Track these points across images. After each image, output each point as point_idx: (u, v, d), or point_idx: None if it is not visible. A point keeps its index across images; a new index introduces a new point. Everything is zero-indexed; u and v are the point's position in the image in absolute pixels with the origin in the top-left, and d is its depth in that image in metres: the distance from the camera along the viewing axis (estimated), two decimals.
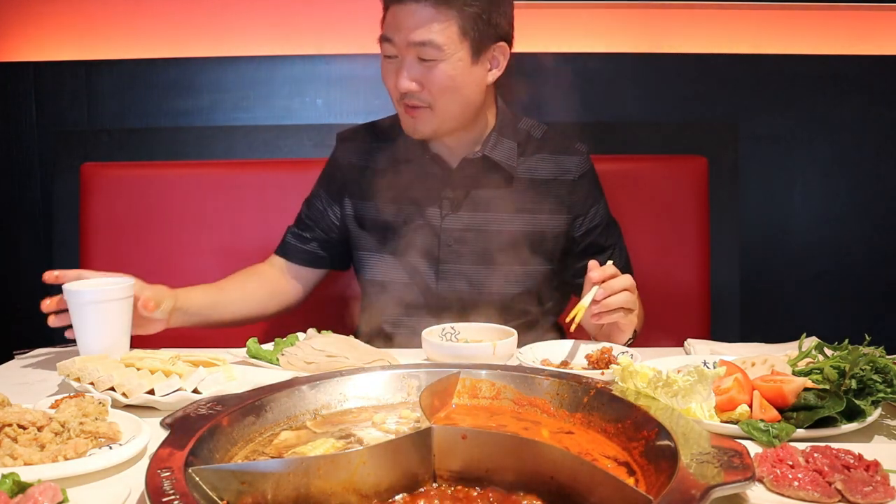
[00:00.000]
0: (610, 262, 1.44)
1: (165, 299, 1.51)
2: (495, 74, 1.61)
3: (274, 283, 1.75)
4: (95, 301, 1.35)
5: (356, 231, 1.73)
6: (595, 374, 1.09)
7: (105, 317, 1.36)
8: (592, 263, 1.43)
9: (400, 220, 1.67)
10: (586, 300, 1.39)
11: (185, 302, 1.57)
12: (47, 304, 1.40)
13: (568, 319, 1.41)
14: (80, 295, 1.35)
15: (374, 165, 1.71)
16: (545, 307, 1.74)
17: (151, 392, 1.10)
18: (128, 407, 1.09)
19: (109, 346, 1.34)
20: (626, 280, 1.42)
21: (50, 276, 1.41)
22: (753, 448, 0.91)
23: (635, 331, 1.54)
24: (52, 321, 1.41)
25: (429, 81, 1.53)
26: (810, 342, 1.17)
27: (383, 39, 1.56)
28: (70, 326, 1.38)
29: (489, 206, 1.66)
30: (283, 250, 1.78)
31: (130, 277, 1.44)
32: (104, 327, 1.36)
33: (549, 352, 1.38)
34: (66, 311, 1.37)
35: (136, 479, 0.87)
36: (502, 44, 1.59)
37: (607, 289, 1.40)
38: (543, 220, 1.67)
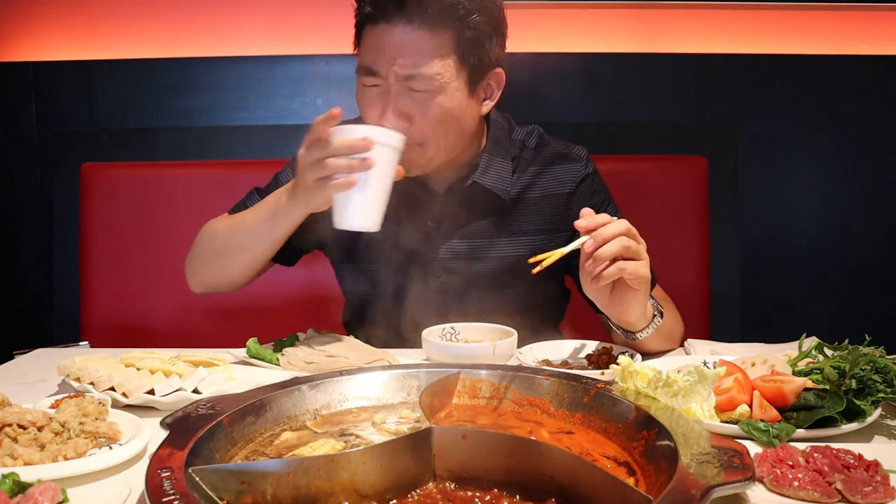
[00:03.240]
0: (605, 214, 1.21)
1: None
2: (489, 105, 1.45)
3: None
4: (394, 146, 1.21)
5: (335, 240, 1.53)
6: (595, 374, 1.09)
7: (390, 171, 1.22)
8: (585, 210, 1.20)
9: (386, 245, 1.49)
10: (567, 247, 1.20)
11: None
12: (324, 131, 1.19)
13: (531, 261, 1.17)
14: (382, 136, 1.20)
15: None
16: (548, 320, 1.62)
17: (151, 392, 1.10)
18: (128, 407, 1.09)
19: (379, 213, 1.23)
20: (621, 224, 1.18)
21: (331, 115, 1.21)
22: (753, 448, 0.91)
23: (660, 309, 1.34)
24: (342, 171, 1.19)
25: (421, 116, 1.33)
26: (810, 342, 1.17)
27: (363, 71, 1.34)
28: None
29: (481, 234, 1.51)
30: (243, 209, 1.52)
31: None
32: (385, 185, 1.22)
33: (549, 352, 1.38)
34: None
35: (136, 479, 0.87)
36: (498, 70, 1.42)
37: (597, 238, 1.16)
38: (541, 242, 1.51)
